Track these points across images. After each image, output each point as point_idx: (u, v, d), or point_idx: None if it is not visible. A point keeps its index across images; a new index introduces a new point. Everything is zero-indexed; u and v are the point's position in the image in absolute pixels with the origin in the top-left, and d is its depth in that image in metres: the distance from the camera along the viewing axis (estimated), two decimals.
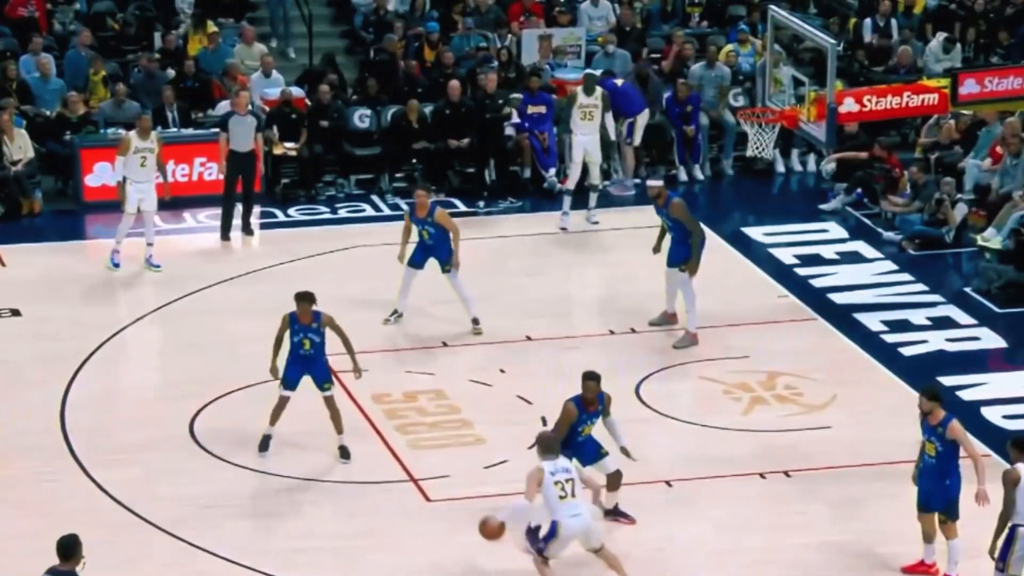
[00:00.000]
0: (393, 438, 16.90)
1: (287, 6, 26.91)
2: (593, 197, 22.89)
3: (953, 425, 14.22)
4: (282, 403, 16.45)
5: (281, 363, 16.47)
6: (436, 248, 19.08)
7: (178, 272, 21.00)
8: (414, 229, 19.10)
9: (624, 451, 15.32)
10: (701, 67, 25.49)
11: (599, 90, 22.75)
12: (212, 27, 25.77)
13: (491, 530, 14.14)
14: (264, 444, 16.55)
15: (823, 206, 23.50)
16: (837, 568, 14.79)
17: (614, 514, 15.37)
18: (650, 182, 19.41)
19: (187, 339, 19.08)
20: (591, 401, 15.12)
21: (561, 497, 13.81)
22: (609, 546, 14.22)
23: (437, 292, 19.56)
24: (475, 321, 19.17)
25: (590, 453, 15.17)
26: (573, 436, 15.06)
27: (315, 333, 16.38)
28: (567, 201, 22.68)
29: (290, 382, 16.44)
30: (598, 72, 24.13)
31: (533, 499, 13.86)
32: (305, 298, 16.40)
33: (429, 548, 15.02)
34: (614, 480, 15.29)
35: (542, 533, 13.87)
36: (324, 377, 16.47)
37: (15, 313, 19.92)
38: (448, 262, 18.94)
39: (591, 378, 15.12)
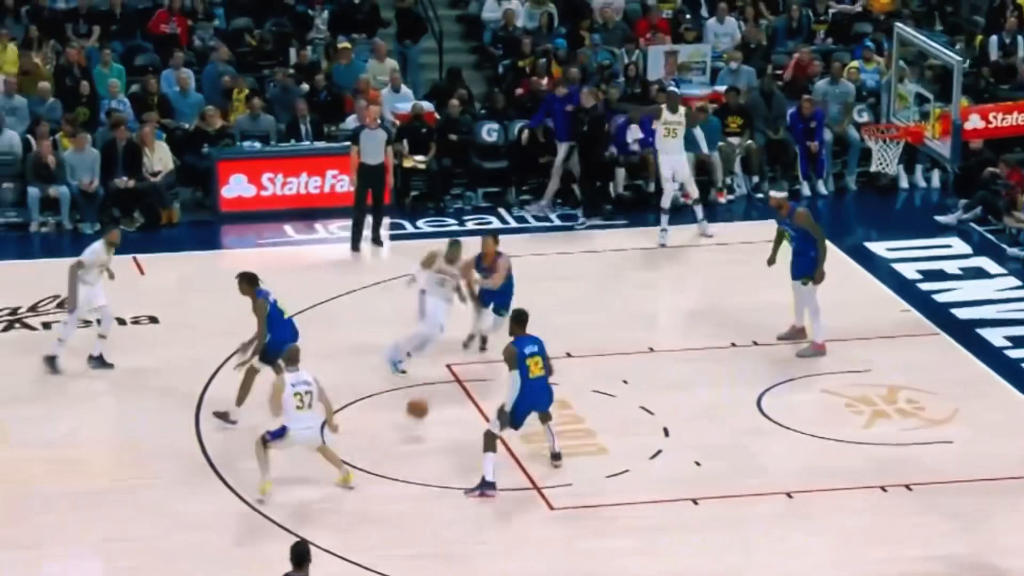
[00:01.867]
0: (517, 447, 16.94)
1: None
2: (698, 210, 22.76)
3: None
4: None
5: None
6: (499, 295, 18.86)
7: (309, 282, 21.19)
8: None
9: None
10: (825, 83, 25.33)
11: (682, 108, 22.57)
12: (345, 43, 26.03)
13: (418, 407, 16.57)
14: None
15: (939, 218, 23.26)
16: None
17: None
18: (773, 193, 19.35)
19: (314, 349, 19.22)
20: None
21: (298, 407, 15.44)
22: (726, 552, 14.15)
23: (556, 304, 19.65)
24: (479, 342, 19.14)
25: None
26: None
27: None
28: (664, 218, 22.56)
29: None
30: (679, 90, 23.91)
31: (276, 412, 15.52)
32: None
33: (550, 555, 15.04)
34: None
35: (272, 429, 15.48)
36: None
37: (153, 320, 20.21)
38: (505, 307, 18.55)
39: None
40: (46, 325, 19.87)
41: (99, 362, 18.71)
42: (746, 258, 21.64)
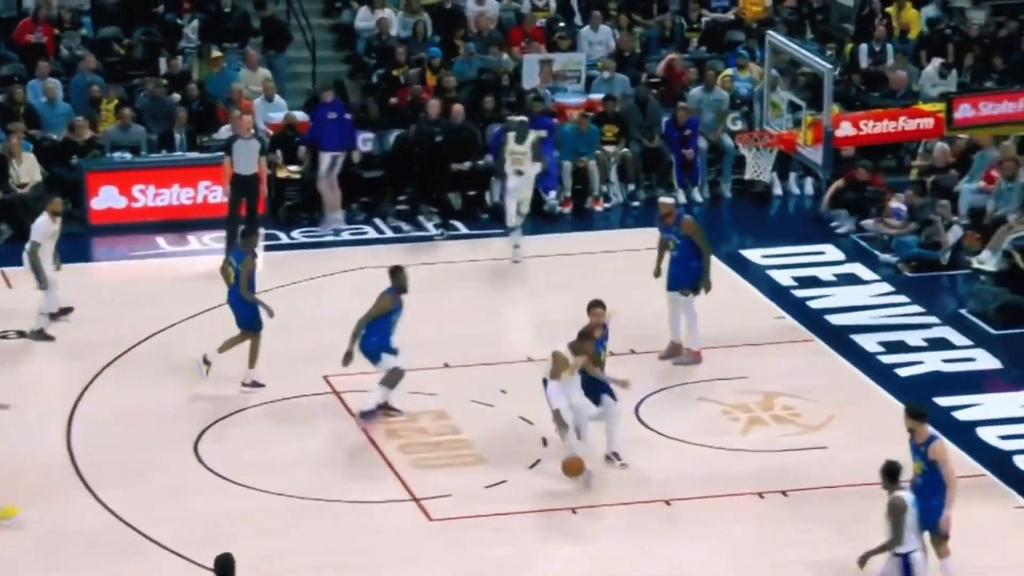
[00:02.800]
0: (396, 458, 16.95)
1: (291, 31, 27.03)
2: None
3: (935, 446, 14.19)
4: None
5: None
6: None
7: (183, 295, 21.03)
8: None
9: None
10: (699, 91, 25.60)
11: (531, 136, 22.01)
12: (216, 52, 25.87)
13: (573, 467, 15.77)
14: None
15: (839, 231, 23.51)
16: None
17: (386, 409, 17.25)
18: (663, 199, 19.48)
19: (189, 362, 19.11)
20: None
21: None
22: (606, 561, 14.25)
23: (435, 314, 19.65)
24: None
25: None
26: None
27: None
28: (515, 234, 22.17)
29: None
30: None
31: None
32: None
33: (430, 567, 15.06)
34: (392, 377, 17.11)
35: None
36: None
37: (20, 334, 19.96)
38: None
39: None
40: None
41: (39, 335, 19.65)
42: (624, 266, 21.80)
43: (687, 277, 18.94)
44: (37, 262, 19.40)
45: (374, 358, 17.44)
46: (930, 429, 14.32)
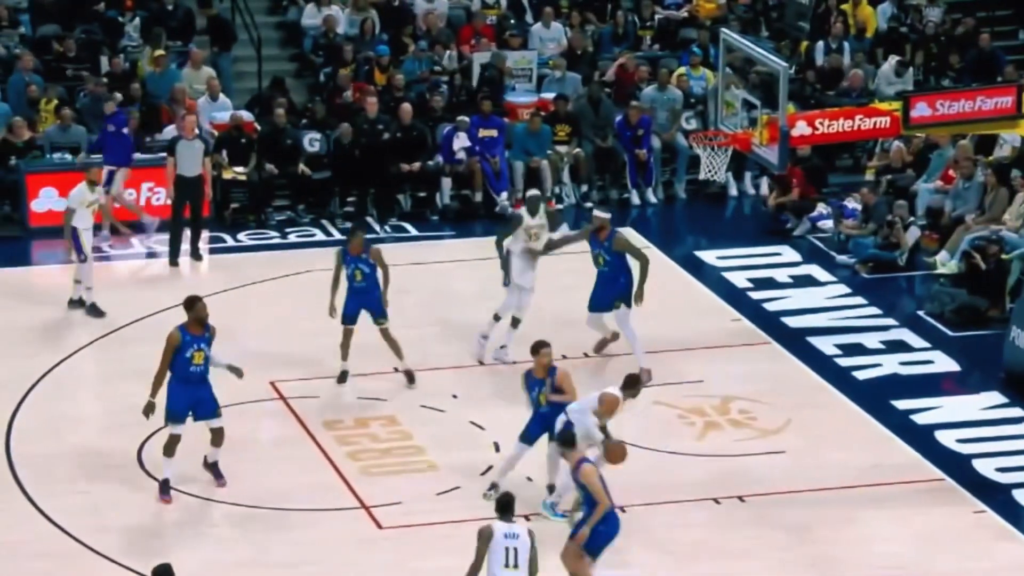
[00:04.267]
0: (345, 465, 16.92)
1: (236, 29, 26.94)
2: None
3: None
4: (347, 336, 18.30)
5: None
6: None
7: (127, 299, 20.96)
8: None
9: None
10: (653, 90, 25.66)
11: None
12: (159, 50, 25.76)
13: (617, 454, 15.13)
14: (343, 377, 18.46)
15: (796, 233, 23.59)
16: None
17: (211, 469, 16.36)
18: (598, 213, 19.24)
19: (135, 366, 19.02)
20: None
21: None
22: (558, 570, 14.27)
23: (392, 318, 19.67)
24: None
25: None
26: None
27: (365, 264, 18.17)
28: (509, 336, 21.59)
29: (348, 318, 18.28)
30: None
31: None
32: (360, 228, 18.57)
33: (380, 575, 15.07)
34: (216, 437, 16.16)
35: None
36: (379, 311, 18.25)
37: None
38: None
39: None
40: None
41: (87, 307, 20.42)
42: (577, 268, 21.82)
43: (615, 293, 18.75)
44: (70, 229, 20.14)
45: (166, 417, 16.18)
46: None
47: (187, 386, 16.04)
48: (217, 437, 16.31)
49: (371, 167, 23.88)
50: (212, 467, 16.45)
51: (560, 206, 24.61)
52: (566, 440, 14.67)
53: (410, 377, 18.57)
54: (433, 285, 21.68)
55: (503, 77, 25.80)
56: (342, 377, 18.56)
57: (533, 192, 20.28)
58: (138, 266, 22.54)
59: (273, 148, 24.05)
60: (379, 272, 18.33)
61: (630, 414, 18.11)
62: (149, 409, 16.14)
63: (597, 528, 14.24)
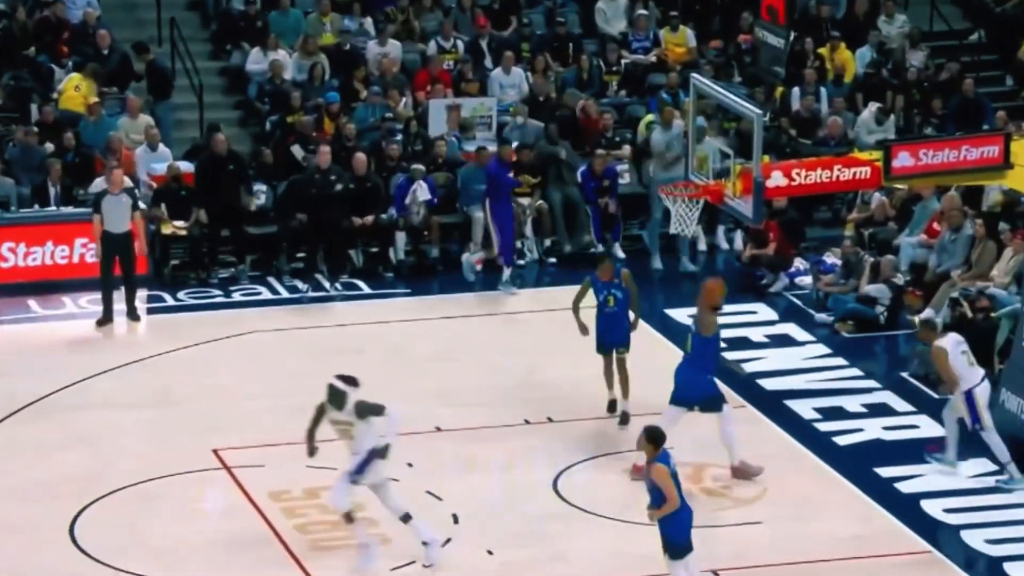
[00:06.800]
0: (293, 539, 16.80)
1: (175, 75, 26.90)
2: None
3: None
4: (609, 364, 18.98)
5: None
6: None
7: (57, 363, 20.83)
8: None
9: None
10: (659, 132, 25.11)
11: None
12: (94, 97, 25.69)
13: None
14: (612, 407, 19.12)
15: (772, 289, 23.65)
16: None
17: None
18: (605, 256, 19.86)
19: (66, 434, 18.91)
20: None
21: None
22: None
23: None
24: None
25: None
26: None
27: (618, 289, 18.89)
28: None
29: (606, 346, 18.99)
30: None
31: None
32: (607, 255, 19.71)
33: None
34: None
35: None
36: (625, 341, 18.99)
37: None
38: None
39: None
40: None
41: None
42: (539, 328, 21.81)
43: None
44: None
45: None
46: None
47: None
48: None
49: (322, 221, 23.82)
50: None
51: (522, 261, 24.48)
52: (653, 436, 14.95)
53: (624, 419, 19.06)
54: (387, 346, 21.61)
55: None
56: (611, 407, 19.25)
57: (338, 384, 16.50)
58: (70, 327, 22.40)
59: (217, 176, 23.81)
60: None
61: (597, 480, 18.09)
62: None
63: (669, 531, 14.74)
